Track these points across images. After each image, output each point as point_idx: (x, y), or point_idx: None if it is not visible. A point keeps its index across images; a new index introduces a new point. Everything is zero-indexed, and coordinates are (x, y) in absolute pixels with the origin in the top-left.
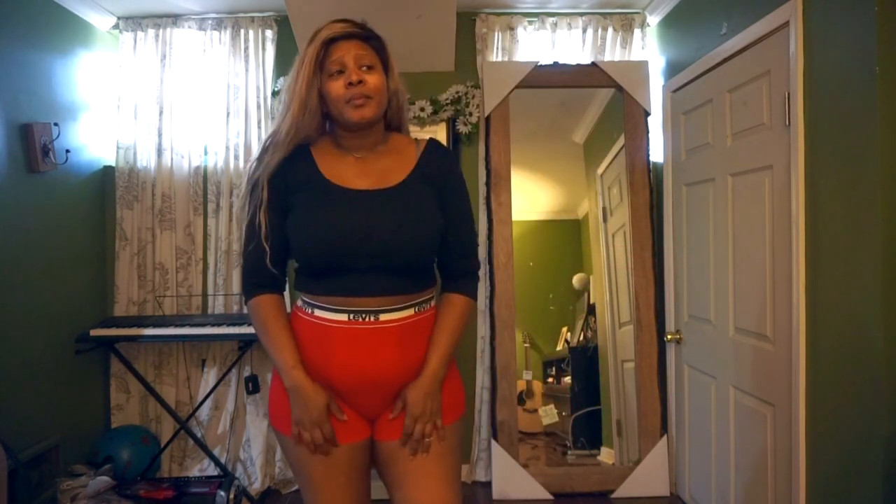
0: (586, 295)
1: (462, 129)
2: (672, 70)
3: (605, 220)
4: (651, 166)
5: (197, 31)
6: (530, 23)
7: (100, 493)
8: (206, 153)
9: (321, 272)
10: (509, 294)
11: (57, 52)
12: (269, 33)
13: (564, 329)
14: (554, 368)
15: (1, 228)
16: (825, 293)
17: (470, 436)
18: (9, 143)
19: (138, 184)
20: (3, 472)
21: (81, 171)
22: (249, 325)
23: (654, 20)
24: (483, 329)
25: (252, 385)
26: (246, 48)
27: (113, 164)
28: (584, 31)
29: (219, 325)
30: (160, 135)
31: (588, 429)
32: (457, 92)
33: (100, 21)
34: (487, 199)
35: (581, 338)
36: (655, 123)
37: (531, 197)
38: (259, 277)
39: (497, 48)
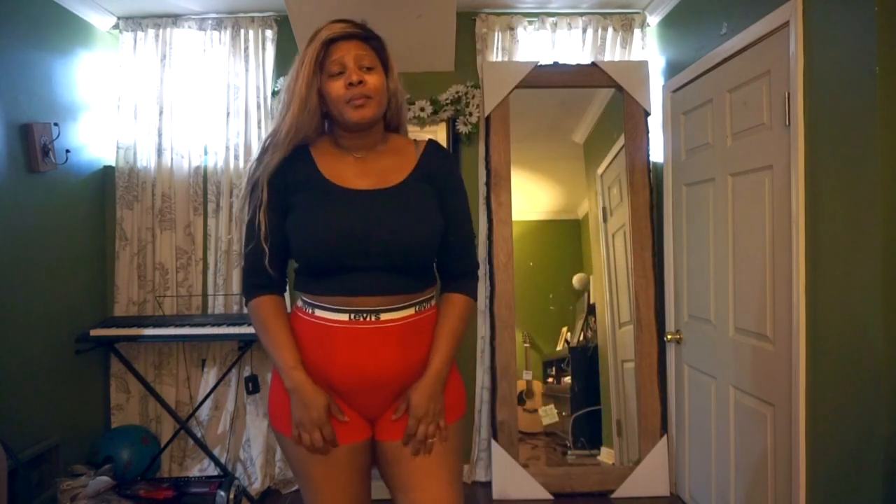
0: (586, 295)
1: (462, 129)
2: (672, 70)
3: (605, 220)
4: (651, 166)
5: (197, 31)
6: (530, 23)
7: (100, 493)
8: (206, 153)
9: (321, 272)
10: (509, 294)
11: (57, 52)
12: (269, 33)
13: (564, 329)
14: (554, 368)
15: (1, 228)
16: (825, 293)
17: (470, 436)
18: (9, 143)
19: (138, 184)
20: (3, 472)
21: (81, 171)
22: (249, 325)
23: (654, 20)
24: (483, 329)
25: (252, 385)
26: (246, 48)
27: (113, 164)
28: (584, 31)
29: (219, 325)
30: (160, 135)
31: (588, 429)
32: (457, 92)
33: (100, 21)
34: (487, 199)
35: (581, 338)
36: (655, 123)
37: (531, 197)
38: (259, 278)
39: (497, 48)
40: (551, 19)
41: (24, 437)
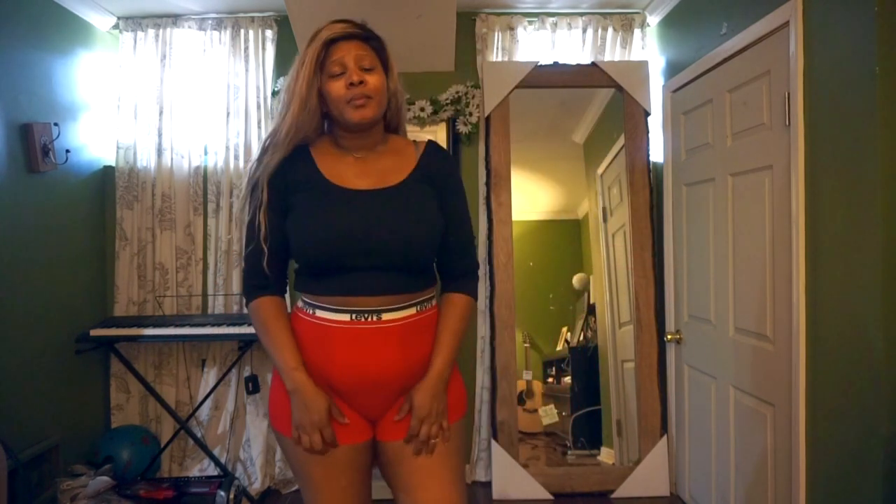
0: (586, 295)
1: (462, 129)
2: (672, 70)
3: (605, 220)
4: (651, 166)
5: (197, 31)
6: (530, 23)
7: (100, 493)
8: (206, 153)
9: (322, 272)
10: (509, 294)
11: (57, 52)
12: (269, 33)
13: (564, 329)
14: (554, 368)
15: (1, 228)
16: (825, 293)
17: (470, 436)
18: (9, 143)
19: (138, 184)
20: (3, 472)
21: (81, 171)
22: (249, 325)
23: (654, 20)
24: (483, 329)
25: (252, 385)
26: (246, 48)
27: (113, 164)
28: (584, 31)
29: (219, 325)
30: (160, 135)
31: (588, 429)
32: (457, 92)
33: (100, 21)
34: (487, 199)
35: (581, 338)
36: (655, 123)
37: (531, 197)
38: (260, 279)
39: (497, 48)
40: (551, 19)
41: (24, 437)
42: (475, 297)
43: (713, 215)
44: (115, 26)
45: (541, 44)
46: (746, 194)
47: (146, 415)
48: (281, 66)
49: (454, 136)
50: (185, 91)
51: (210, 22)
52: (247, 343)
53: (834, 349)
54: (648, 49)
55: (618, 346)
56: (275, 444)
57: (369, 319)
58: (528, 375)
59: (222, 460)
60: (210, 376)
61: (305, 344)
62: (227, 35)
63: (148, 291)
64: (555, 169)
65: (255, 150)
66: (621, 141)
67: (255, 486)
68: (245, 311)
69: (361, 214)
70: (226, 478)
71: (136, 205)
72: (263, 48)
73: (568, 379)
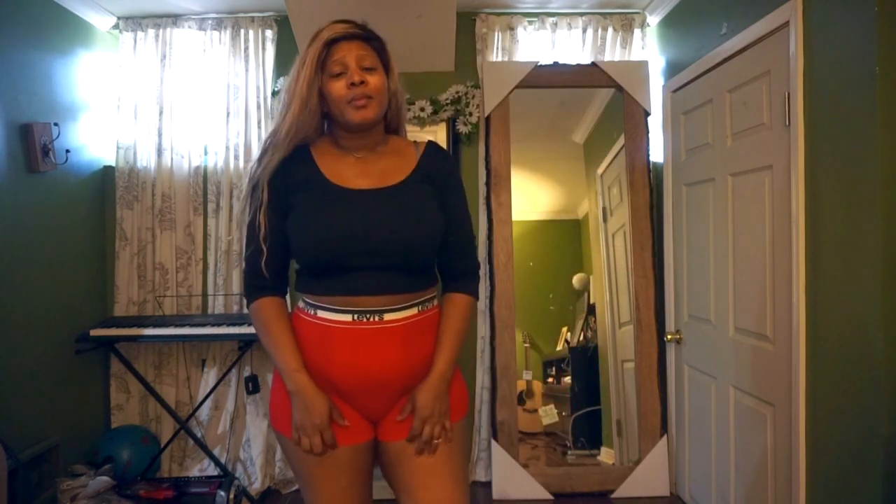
0: (586, 295)
1: (462, 129)
2: (672, 70)
3: (605, 220)
4: (651, 166)
5: (197, 31)
6: (530, 23)
7: (100, 493)
8: (206, 153)
9: (323, 272)
10: (509, 294)
11: (57, 52)
12: (269, 33)
13: (564, 329)
14: (554, 368)
15: (1, 228)
16: (825, 293)
17: (470, 436)
18: (9, 143)
19: (138, 184)
20: (3, 472)
21: (81, 171)
22: (249, 325)
23: (654, 20)
24: (483, 329)
25: (252, 385)
26: (246, 48)
27: (113, 164)
28: (584, 31)
29: (219, 325)
30: (160, 135)
31: (588, 429)
32: (457, 92)
33: (100, 21)
34: (487, 199)
35: (581, 338)
36: (655, 123)
37: (531, 197)
38: (261, 280)
39: (497, 48)
40: (551, 19)
41: (24, 437)
42: (476, 297)
43: (713, 215)
44: (115, 26)
45: (541, 44)
46: (746, 194)
47: (146, 415)
48: (281, 66)
49: (454, 136)
50: (185, 91)
51: (210, 22)
52: (247, 343)
53: (834, 349)
54: (648, 49)
55: (618, 346)
56: (275, 444)
57: (371, 320)
58: (528, 375)
59: (222, 460)
60: (210, 376)
61: (307, 344)
62: (227, 35)
63: (148, 291)
64: (555, 169)
65: (255, 150)
66: (621, 141)
67: (255, 486)
68: (245, 311)
69: (362, 214)
70: (226, 478)
71: (136, 205)
72: (263, 48)
73: (568, 379)
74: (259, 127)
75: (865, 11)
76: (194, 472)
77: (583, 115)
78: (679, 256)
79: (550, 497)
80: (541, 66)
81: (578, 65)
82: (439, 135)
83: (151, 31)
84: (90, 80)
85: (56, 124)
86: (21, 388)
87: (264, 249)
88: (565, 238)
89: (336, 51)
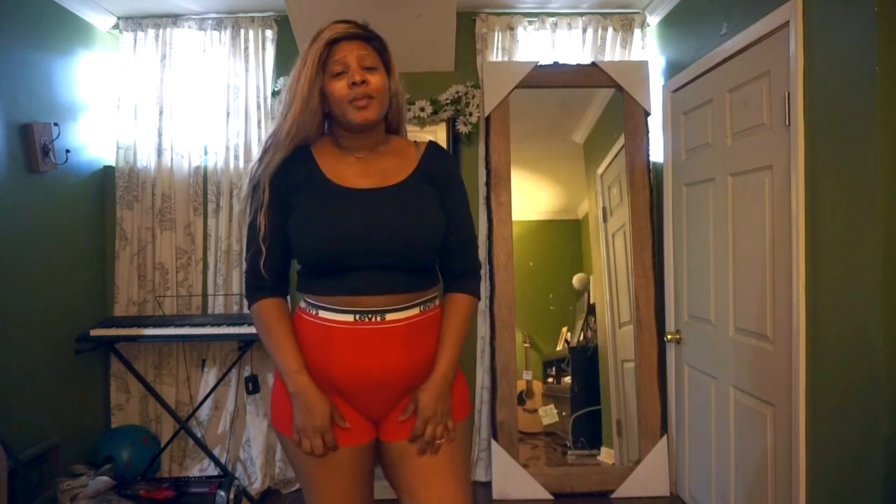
0: (586, 295)
1: (462, 129)
2: (672, 70)
3: (605, 220)
4: (651, 166)
5: (197, 31)
6: (530, 23)
7: (100, 493)
8: (206, 153)
9: (324, 272)
10: (509, 294)
11: (57, 52)
12: (269, 33)
13: (564, 329)
14: (554, 368)
15: (1, 228)
16: (825, 293)
17: (470, 436)
18: (9, 143)
19: (138, 184)
20: (3, 472)
21: (81, 171)
22: (249, 325)
23: (654, 20)
24: (483, 329)
25: (252, 385)
26: (246, 48)
27: (113, 164)
28: (584, 31)
29: (219, 325)
30: (160, 135)
31: (588, 429)
32: (457, 92)
33: (100, 21)
34: (487, 199)
35: (581, 338)
36: (655, 123)
37: (531, 197)
38: (262, 280)
39: (497, 48)
40: (551, 19)
41: (24, 437)
42: (478, 297)
43: (713, 215)
44: (115, 26)
45: (541, 44)
46: (746, 194)
47: (146, 415)
48: (281, 66)
49: (454, 136)
50: (185, 91)
51: (210, 22)
52: (247, 343)
53: (834, 349)
54: (648, 49)
55: (618, 346)
56: (275, 444)
57: (373, 320)
58: (528, 375)
59: (222, 460)
60: (210, 376)
61: (308, 345)
62: (227, 35)
63: (148, 291)
64: (555, 169)
65: (256, 151)
66: (621, 141)
67: (255, 486)
68: (245, 311)
69: (362, 214)
70: (226, 478)
71: (136, 205)
72: (263, 48)
73: (568, 379)
74: (259, 127)
75: (865, 11)
76: (194, 472)
77: (583, 115)
78: (679, 256)
79: (550, 497)
80: (541, 66)
81: (578, 65)
82: (439, 135)
83: (151, 31)
84: (90, 80)
85: (56, 124)
86: (21, 388)
87: (267, 250)
88: (565, 238)
89: (337, 50)
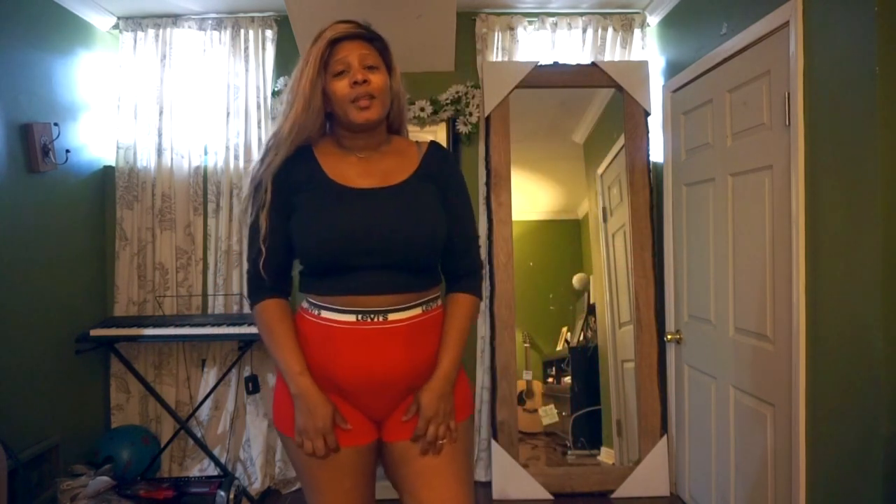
0: (586, 295)
1: (462, 129)
2: (672, 70)
3: (605, 220)
4: (651, 166)
5: (197, 31)
6: (530, 23)
7: (100, 493)
8: (206, 153)
9: (325, 272)
10: (509, 294)
11: (57, 52)
12: (269, 33)
13: (564, 329)
14: (554, 368)
15: (1, 228)
16: (825, 293)
17: (473, 436)
18: (9, 143)
19: (138, 184)
20: (3, 472)
21: (81, 171)
22: (249, 325)
23: (654, 20)
24: (483, 329)
25: (252, 385)
26: (246, 48)
27: (113, 164)
28: (584, 31)
29: (219, 325)
30: (160, 135)
31: (588, 429)
32: (457, 92)
33: (100, 21)
34: (487, 199)
35: (581, 338)
36: (655, 123)
37: (531, 197)
38: (264, 281)
39: (497, 48)
40: (551, 19)
41: (24, 437)
42: (480, 297)
43: (713, 215)
44: (115, 26)
45: (541, 44)
46: (746, 194)
47: (146, 415)
48: (281, 66)
49: (454, 136)
50: (185, 91)
51: (210, 22)
52: (247, 343)
53: (834, 349)
54: (648, 49)
55: (618, 346)
56: (275, 444)
57: (375, 320)
58: (528, 375)
59: (222, 460)
60: (210, 376)
61: (310, 345)
62: (227, 35)
63: (148, 291)
64: (555, 169)
65: (256, 151)
66: (621, 141)
67: (255, 486)
68: (245, 310)
69: (364, 213)
70: (226, 478)
71: (136, 205)
72: (263, 48)
73: (568, 379)
74: (259, 127)
75: (865, 11)
76: (194, 472)
77: (583, 115)
78: (679, 256)
79: (550, 497)
80: (541, 66)
81: (578, 65)
82: (439, 135)
83: (151, 31)
84: (90, 80)
85: (56, 124)
86: (21, 388)
87: (269, 251)
88: (565, 238)
89: (339, 50)
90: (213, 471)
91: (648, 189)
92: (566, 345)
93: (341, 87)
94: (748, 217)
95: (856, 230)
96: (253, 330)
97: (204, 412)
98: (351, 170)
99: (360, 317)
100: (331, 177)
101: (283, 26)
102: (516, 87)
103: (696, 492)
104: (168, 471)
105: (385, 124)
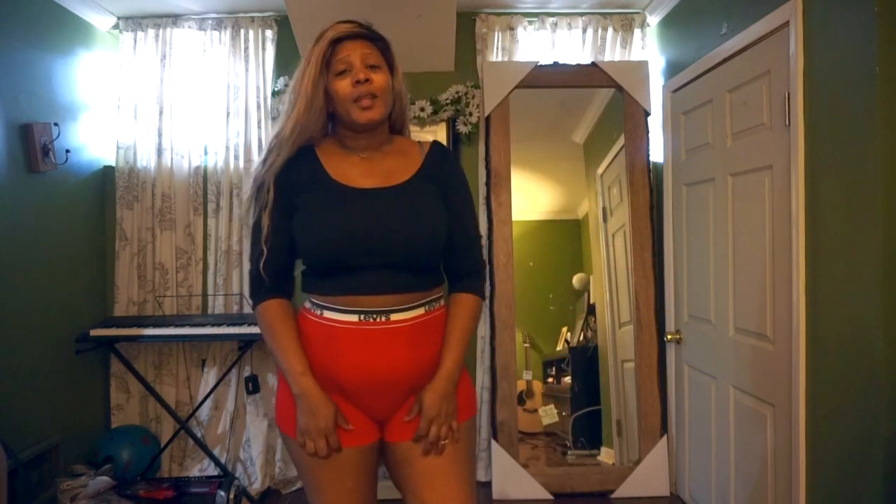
0: (586, 295)
1: (462, 129)
2: (672, 70)
3: (605, 220)
4: (651, 166)
5: (197, 31)
6: (530, 23)
7: (100, 493)
8: (206, 153)
9: (328, 272)
10: (509, 294)
11: (57, 52)
12: (269, 33)
13: (564, 329)
14: (554, 368)
15: (1, 228)
16: (825, 293)
17: (475, 436)
18: (9, 143)
19: (138, 184)
20: (3, 472)
21: (81, 171)
22: (249, 324)
23: (654, 20)
24: (483, 329)
25: (252, 385)
26: (246, 48)
27: (113, 164)
28: (584, 31)
29: (219, 325)
30: (160, 135)
31: (588, 429)
32: (457, 92)
33: (100, 21)
34: (487, 199)
35: (581, 338)
36: (655, 123)
37: (531, 197)
38: (266, 282)
39: (497, 48)
40: (551, 19)
41: (24, 437)
42: (482, 296)
43: (713, 215)
44: (115, 26)
45: (541, 44)
46: (746, 194)
47: (146, 415)
48: (281, 66)
49: (454, 136)
50: (185, 91)
51: (210, 22)
52: (247, 343)
53: (834, 349)
54: (648, 49)
55: (618, 346)
56: (275, 444)
57: (378, 320)
58: (528, 375)
59: (222, 460)
60: (210, 376)
61: (313, 345)
62: (227, 35)
63: (148, 291)
64: (555, 169)
65: (255, 151)
66: (621, 141)
67: (255, 486)
68: (245, 310)
69: (366, 213)
70: (226, 478)
71: (136, 205)
72: (263, 48)
73: (568, 379)
74: (259, 127)
75: (865, 11)
76: (194, 472)
77: (583, 115)
78: (679, 256)
79: (550, 497)
80: (541, 66)
81: (578, 65)
82: (439, 135)
83: (151, 31)
84: (90, 80)
85: (56, 124)
86: (21, 388)
87: (271, 251)
88: (565, 238)
89: (341, 49)
90: (213, 471)
91: (648, 189)
92: (566, 345)
93: (343, 86)
94: (748, 217)
95: (856, 230)
96: (253, 330)
97: (204, 412)
98: (353, 170)
99: (362, 317)
100: (333, 177)
101: (283, 26)
102: (516, 87)
103: (696, 492)
104: (168, 471)
105: (387, 124)
